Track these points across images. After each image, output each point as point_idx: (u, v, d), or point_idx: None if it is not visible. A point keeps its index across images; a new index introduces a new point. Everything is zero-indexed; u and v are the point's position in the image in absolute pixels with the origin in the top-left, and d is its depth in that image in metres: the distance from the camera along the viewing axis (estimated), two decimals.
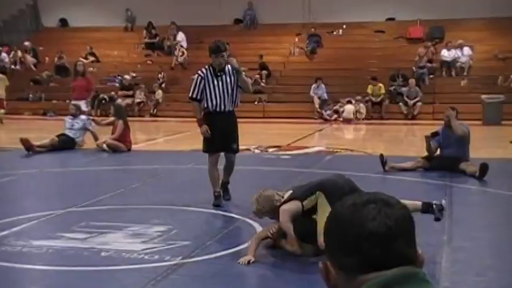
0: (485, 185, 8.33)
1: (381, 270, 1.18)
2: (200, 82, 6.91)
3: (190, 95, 7.00)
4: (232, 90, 6.96)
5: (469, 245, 5.48)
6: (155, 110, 21.47)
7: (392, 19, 24.59)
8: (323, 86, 20.44)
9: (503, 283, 4.67)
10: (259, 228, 5.95)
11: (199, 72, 7.00)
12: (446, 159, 9.12)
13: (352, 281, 1.21)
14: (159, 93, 21.68)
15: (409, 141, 16.13)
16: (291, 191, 5.37)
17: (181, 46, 23.90)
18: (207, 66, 6.99)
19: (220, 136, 6.98)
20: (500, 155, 11.04)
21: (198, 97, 6.93)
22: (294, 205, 5.13)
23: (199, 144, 7.49)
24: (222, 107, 6.93)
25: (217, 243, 5.55)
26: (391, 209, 1.23)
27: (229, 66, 6.99)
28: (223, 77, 6.92)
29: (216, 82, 6.90)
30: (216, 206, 6.97)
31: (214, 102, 6.90)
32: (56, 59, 24.14)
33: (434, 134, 9.28)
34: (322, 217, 4.88)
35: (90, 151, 11.80)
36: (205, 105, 6.95)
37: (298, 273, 4.84)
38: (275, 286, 4.66)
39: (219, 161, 7.28)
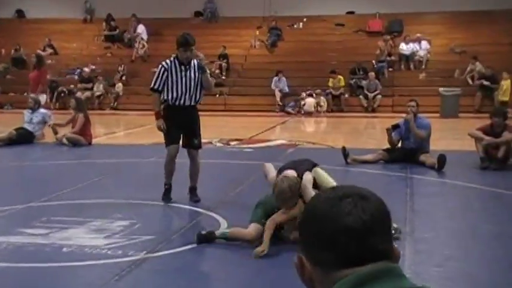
0: (444, 176, 8.49)
1: (357, 265, 1.18)
2: (163, 73, 6.76)
3: (152, 85, 6.84)
4: (196, 85, 6.83)
5: (430, 236, 5.58)
6: (115, 103, 21.22)
7: (352, 12, 24.79)
8: (284, 79, 20.49)
9: (463, 272, 4.77)
10: (223, 221, 5.96)
11: (164, 63, 6.85)
12: (407, 151, 9.26)
13: (327, 276, 1.20)
14: (119, 86, 21.43)
15: (369, 133, 16.31)
16: (293, 171, 5.37)
17: (142, 39, 23.67)
18: (172, 59, 6.84)
19: (180, 131, 6.88)
20: (457, 147, 11.24)
21: (160, 88, 6.79)
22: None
23: (160, 138, 7.41)
24: (182, 101, 6.79)
25: (181, 237, 5.51)
26: (367, 202, 1.22)
27: (195, 61, 6.90)
28: (188, 71, 6.79)
29: (180, 75, 6.76)
30: (166, 200, 6.86)
31: (174, 95, 6.76)
32: (12, 51, 23.63)
33: (395, 127, 9.41)
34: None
35: (49, 145, 11.60)
36: (165, 98, 6.79)
37: (260, 263, 4.85)
38: (241, 280, 4.66)
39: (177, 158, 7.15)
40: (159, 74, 6.80)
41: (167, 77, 6.74)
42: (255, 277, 4.68)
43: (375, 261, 1.18)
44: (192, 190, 7.07)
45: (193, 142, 7.03)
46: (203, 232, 5.29)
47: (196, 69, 6.84)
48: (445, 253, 5.11)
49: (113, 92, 21.32)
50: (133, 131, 15.24)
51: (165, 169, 7.04)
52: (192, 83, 6.80)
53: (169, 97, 6.78)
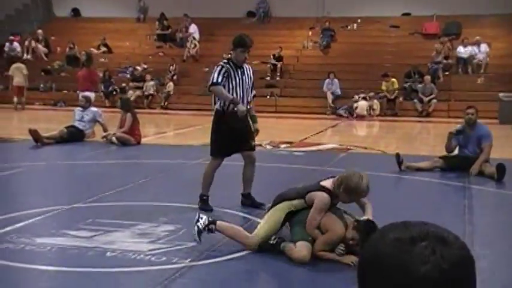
0: (504, 187, 8.06)
1: None
2: (224, 72, 6.42)
3: (213, 81, 6.42)
4: (249, 88, 6.62)
5: (491, 252, 5.22)
6: (166, 103, 21.26)
7: (407, 14, 24.26)
8: (336, 80, 20.15)
9: None
10: None
11: (222, 63, 6.55)
12: (465, 159, 8.84)
13: None
14: (170, 86, 21.46)
15: (423, 139, 15.86)
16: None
17: (194, 38, 23.66)
18: (226, 61, 6.57)
19: (233, 139, 6.57)
20: None
21: (222, 83, 6.41)
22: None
23: (208, 139, 7.18)
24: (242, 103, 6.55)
25: (228, 244, 5.29)
26: (447, 247, 0.98)
27: (247, 65, 6.66)
28: (244, 75, 6.55)
29: (238, 77, 6.49)
30: (204, 210, 6.45)
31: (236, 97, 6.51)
32: (67, 49, 23.97)
33: (459, 132, 8.98)
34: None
35: (98, 144, 11.60)
36: (224, 103, 6.46)
37: (306, 276, 4.61)
38: None
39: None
40: (219, 71, 6.44)
41: (227, 78, 6.43)
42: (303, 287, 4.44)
43: None
44: (249, 196, 6.81)
45: (250, 144, 6.72)
46: (271, 242, 5.09)
47: (248, 72, 6.61)
48: (509, 271, 4.76)
49: (164, 91, 21.36)
50: (183, 131, 15.17)
51: (206, 180, 6.71)
52: (247, 85, 6.57)
53: (225, 103, 6.47)
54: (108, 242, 5.36)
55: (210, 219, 5.17)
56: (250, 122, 6.74)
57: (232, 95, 6.45)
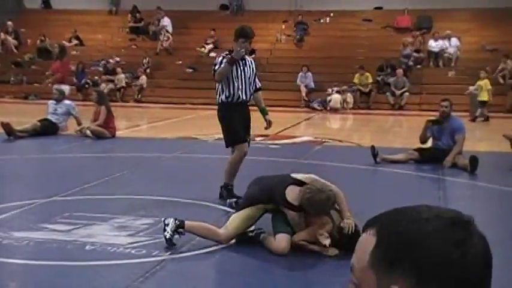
0: (477, 179, 8.19)
1: None
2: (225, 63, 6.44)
3: (215, 69, 6.48)
4: (252, 81, 6.60)
5: None
6: (139, 96, 21.11)
7: (380, 8, 24.43)
8: (310, 74, 20.23)
9: (503, 282, 4.50)
10: None
11: (223, 54, 6.59)
12: (439, 151, 8.97)
13: None
14: (142, 79, 21.30)
15: (396, 132, 16.03)
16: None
17: (167, 31, 23.52)
18: (227, 52, 6.58)
19: (243, 127, 6.59)
20: (487, 148, 10.95)
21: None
22: None
23: (185, 132, 7.17)
24: (244, 96, 6.54)
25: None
26: (476, 229, 1.01)
27: (248, 57, 6.65)
28: (245, 67, 6.54)
29: (240, 69, 6.49)
30: (233, 198, 6.46)
31: (236, 89, 6.48)
32: (38, 41, 23.64)
33: (436, 122, 9.09)
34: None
35: (72, 137, 11.49)
36: (228, 94, 6.49)
37: (287, 267, 4.65)
38: (268, 283, 4.45)
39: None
40: (220, 63, 6.45)
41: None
42: (283, 281, 4.47)
43: None
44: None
45: (248, 136, 6.75)
46: (249, 234, 5.10)
47: (250, 65, 6.60)
48: None
49: (137, 84, 21.21)
50: (157, 125, 15.10)
51: (232, 168, 6.64)
52: (248, 77, 6.55)
53: (234, 92, 6.50)
54: (87, 235, 5.33)
55: (176, 222, 4.97)
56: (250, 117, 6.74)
57: (233, 85, 6.47)
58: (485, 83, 17.34)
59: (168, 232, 4.94)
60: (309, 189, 4.82)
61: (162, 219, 5.05)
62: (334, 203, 4.88)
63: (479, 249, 0.99)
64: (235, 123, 6.56)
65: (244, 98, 6.56)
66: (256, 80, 6.75)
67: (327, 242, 4.75)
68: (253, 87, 6.69)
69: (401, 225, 1.02)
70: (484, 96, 17.07)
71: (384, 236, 1.02)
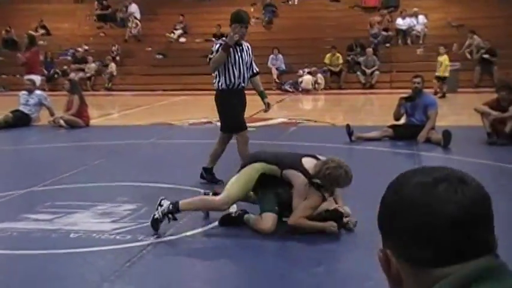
0: (451, 153, 8.36)
1: (459, 262, 1.02)
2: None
3: (210, 57, 6.46)
4: (249, 66, 6.60)
5: None
6: (110, 84, 20.94)
7: None
8: (281, 56, 20.27)
9: None
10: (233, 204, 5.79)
11: (219, 41, 6.59)
12: (412, 127, 9.12)
13: (422, 275, 1.04)
14: (112, 66, 21.12)
15: (368, 110, 16.16)
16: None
17: (135, 18, 23.31)
18: (224, 38, 6.55)
19: (243, 113, 6.64)
20: (458, 123, 11.14)
21: None
22: None
23: (158, 118, 7.17)
24: (242, 82, 6.54)
25: (191, 220, 5.35)
26: (467, 186, 1.05)
27: (245, 42, 6.61)
28: (243, 53, 6.52)
29: (237, 55, 6.46)
30: (214, 182, 6.61)
31: (236, 76, 6.46)
32: (3, 32, 23.24)
33: (409, 99, 9.23)
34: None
35: (46, 127, 11.39)
36: (226, 81, 6.46)
37: (273, 248, 4.73)
38: (254, 264, 4.52)
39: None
40: (217, 50, 6.39)
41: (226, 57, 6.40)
42: (266, 262, 4.54)
43: (478, 256, 1.03)
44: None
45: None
46: (233, 215, 5.13)
47: (247, 50, 6.59)
48: None
49: (106, 72, 21.03)
50: (130, 112, 15.02)
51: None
52: (246, 63, 6.55)
53: (232, 78, 6.48)
54: (70, 223, 5.33)
55: (171, 207, 4.90)
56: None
57: (232, 72, 6.45)
58: (444, 58, 17.59)
59: (158, 212, 4.93)
60: (330, 162, 4.80)
61: (160, 198, 5.02)
62: (351, 180, 4.85)
63: (455, 209, 1.03)
64: (237, 111, 6.59)
65: (243, 84, 6.57)
66: (253, 64, 6.72)
67: (328, 227, 4.83)
68: (251, 72, 6.67)
69: (388, 195, 1.11)
70: (443, 72, 17.31)
71: (380, 206, 1.13)
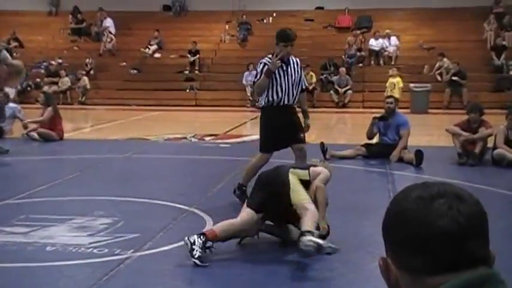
0: (423, 172, 8.52)
1: (451, 272, 1.10)
2: (267, 69, 6.29)
3: (255, 80, 6.40)
4: (296, 84, 6.46)
5: None
6: (84, 98, 20.83)
7: (321, 8, 24.84)
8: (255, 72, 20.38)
9: None
10: (208, 218, 5.85)
11: (264, 60, 6.40)
12: (385, 146, 9.28)
13: (417, 283, 1.12)
14: (84, 80, 20.98)
15: (340, 129, 16.37)
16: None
17: (110, 32, 23.29)
18: (270, 56, 6.43)
19: (285, 130, 6.45)
20: (429, 143, 11.35)
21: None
22: None
23: (133, 133, 7.20)
24: (287, 100, 6.40)
25: (168, 235, 5.38)
26: (463, 203, 1.12)
27: (293, 58, 6.51)
28: (288, 69, 6.41)
29: (282, 73, 6.35)
30: (241, 199, 6.26)
31: (280, 95, 6.36)
32: None
33: (381, 119, 9.40)
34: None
35: (19, 140, 11.30)
36: (269, 99, 6.38)
37: (252, 260, 4.78)
38: (233, 278, 4.56)
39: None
40: (262, 69, 6.30)
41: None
42: (247, 275, 4.59)
43: (470, 268, 1.10)
44: None
45: (299, 136, 6.63)
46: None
47: (295, 66, 6.48)
48: None
49: (79, 86, 20.91)
50: (104, 126, 14.97)
51: (251, 171, 6.53)
52: (293, 81, 6.41)
53: (275, 97, 6.38)
54: (46, 236, 5.32)
55: (201, 238, 4.61)
56: (297, 118, 6.69)
57: (275, 89, 6.34)
58: (397, 81, 17.94)
59: (197, 251, 4.58)
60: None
61: (185, 238, 4.63)
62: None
63: (448, 224, 1.10)
64: (268, 131, 6.54)
65: (286, 101, 6.42)
66: (303, 79, 6.60)
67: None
68: (299, 89, 6.54)
69: (391, 207, 1.20)
70: (396, 93, 17.62)
71: (384, 217, 1.21)
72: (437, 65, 20.32)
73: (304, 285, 4.37)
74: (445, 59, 20.19)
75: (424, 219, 1.12)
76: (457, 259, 1.10)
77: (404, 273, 1.14)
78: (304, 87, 6.69)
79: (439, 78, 20.00)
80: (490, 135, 8.98)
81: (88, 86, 20.93)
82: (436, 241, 1.10)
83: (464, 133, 8.96)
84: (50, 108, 11.35)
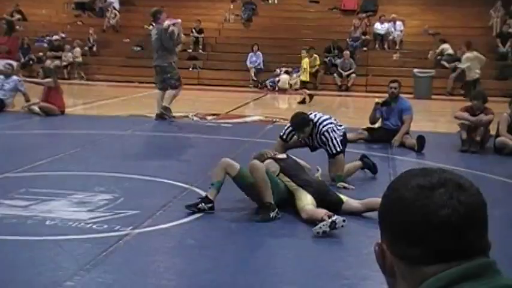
0: (425, 158, 8.50)
1: (448, 261, 1.08)
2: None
3: (337, 149, 6.78)
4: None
5: None
6: (77, 72, 20.67)
7: None
8: (260, 53, 20.31)
9: None
10: None
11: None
12: (387, 131, 9.25)
13: (414, 272, 1.10)
14: (76, 52, 20.75)
15: (342, 112, 16.30)
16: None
17: (114, 8, 23.15)
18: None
19: None
20: (431, 129, 11.32)
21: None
22: None
23: (135, 110, 7.17)
24: None
25: (168, 213, 5.39)
26: (464, 193, 1.10)
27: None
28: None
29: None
30: None
31: None
32: None
33: (384, 103, 9.35)
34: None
35: (20, 114, 11.26)
36: None
37: (253, 237, 4.79)
38: (232, 255, 4.57)
39: None
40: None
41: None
42: (247, 252, 4.59)
43: (468, 257, 1.09)
44: None
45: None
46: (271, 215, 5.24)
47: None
48: None
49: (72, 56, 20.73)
50: (106, 103, 14.93)
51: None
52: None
53: None
54: (46, 210, 5.32)
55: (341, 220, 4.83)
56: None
57: None
58: (305, 62, 17.86)
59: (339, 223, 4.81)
60: None
61: (333, 218, 4.80)
62: None
63: (449, 214, 1.08)
64: None
65: None
66: (329, 147, 6.89)
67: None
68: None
69: (388, 192, 1.18)
70: (303, 77, 17.65)
71: (381, 201, 1.20)
72: (438, 51, 20.17)
73: (303, 269, 4.38)
74: (445, 45, 20.03)
75: (424, 210, 1.09)
76: (455, 249, 1.08)
77: (399, 260, 1.12)
78: (331, 153, 6.75)
79: (446, 64, 19.72)
80: (489, 121, 8.91)
81: (80, 60, 20.70)
82: (435, 232, 1.08)
83: (472, 118, 8.88)
84: (50, 80, 11.26)
